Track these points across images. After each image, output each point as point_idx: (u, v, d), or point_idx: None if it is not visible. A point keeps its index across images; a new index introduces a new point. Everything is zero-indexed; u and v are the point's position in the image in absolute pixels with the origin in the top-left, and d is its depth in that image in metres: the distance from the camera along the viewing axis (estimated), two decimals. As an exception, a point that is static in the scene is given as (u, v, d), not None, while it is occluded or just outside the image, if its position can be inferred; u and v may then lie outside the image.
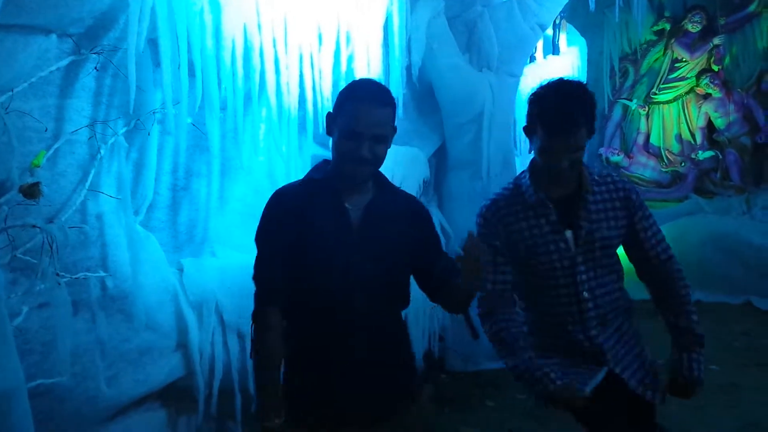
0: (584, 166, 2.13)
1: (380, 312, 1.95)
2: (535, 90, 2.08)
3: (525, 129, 2.13)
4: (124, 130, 2.89)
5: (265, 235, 1.95)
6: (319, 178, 1.98)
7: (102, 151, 2.78)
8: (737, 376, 4.94)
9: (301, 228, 1.89)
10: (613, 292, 2.18)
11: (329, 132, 1.97)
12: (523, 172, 2.20)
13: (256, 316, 1.93)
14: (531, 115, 2.07)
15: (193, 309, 3.21)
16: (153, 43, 2.83)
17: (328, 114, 1.98)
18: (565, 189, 2.13)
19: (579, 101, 2.00)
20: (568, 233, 2.10)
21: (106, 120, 2.81)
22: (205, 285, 3.25)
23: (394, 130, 1.96)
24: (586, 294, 2.11)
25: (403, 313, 2.12)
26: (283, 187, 2.03)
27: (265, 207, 1.97)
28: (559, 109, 1.98)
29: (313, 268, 1.89)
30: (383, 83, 2.13)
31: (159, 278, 3.09)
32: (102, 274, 2.79)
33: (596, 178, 2.15)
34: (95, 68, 2.73)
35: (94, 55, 2.71)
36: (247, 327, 2.00)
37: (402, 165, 4.41)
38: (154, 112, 2.92)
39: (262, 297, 1.93)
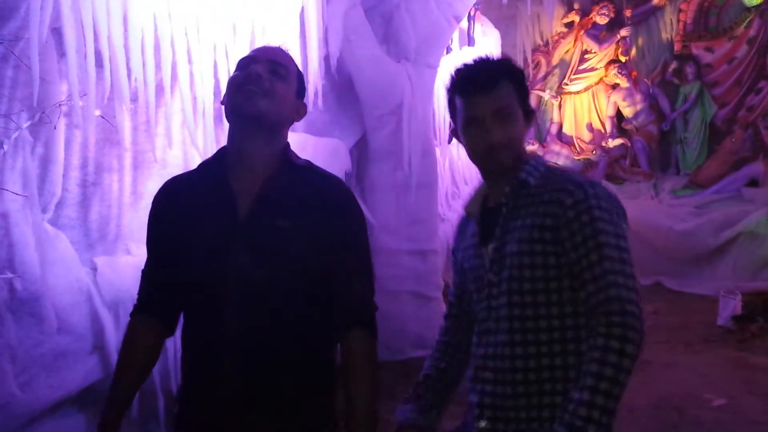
0: (527, 164, 1.60)
1: (268, 334, 1.50)
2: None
3: (452, 130, 1.69)
4: (28, 123, 2.77)
5: (148, 233, 1.64)
6: (211, 159, 1.63)
7: (5, 146, 2.65)
8: (648, 353, 5.15)
9: (180, 221, 1.56)
10: (553, 342, 1.49)
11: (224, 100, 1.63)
12: None
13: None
14: (449, 96, 1.65)
15: (109, 309, 3.11)
16: (57, 32, 2.71)
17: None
18: (500, 195, 1.61)
19: (498, 60, 1.63)
20: (490, 248, 1.58)
21: (8, 113, 2.68)
22: (121, 284, 3.14)
23: (299, 74, 1.65)
24: (503, 324, 1.52)
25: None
26: (176, 176, 1.71)
27: (152, 201, 1.66)
28: (475, 66, 1.60)
29: (189, 272, 1.53)
30: (302, 73, 1.85)
31: (71, 278, 2.97)
32: (9, 275, 2.67)
33: (527, 177, 1.57)
34: (-6, 59, 2.61)
35: (-7, 46, 2.58)
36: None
37: (323, 156, 4.38)
38: (59, 105, 2.81)
39: (135, 305, 1.66)
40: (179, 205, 1.58)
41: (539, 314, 1.50)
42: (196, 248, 1.51)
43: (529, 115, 1.63)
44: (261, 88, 1.52)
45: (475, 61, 1.61)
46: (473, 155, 1.61)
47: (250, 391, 1.51)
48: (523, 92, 1.61)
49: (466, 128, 1.59)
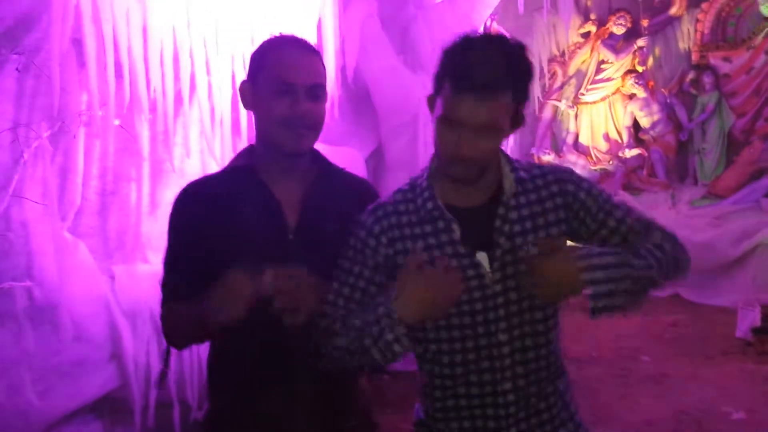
0: (504, 156, 1.51)
1: None
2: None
3: (428, 98, 1.47)
4: (48, 133, 2.80)
5: (174, 238, 1.57)
6: (243, 165, 1.58)
7: (25, 156, 2.68)
8: (667, 365, 5.11)
9: (219, 228, 1.51)
10: (548, 343, 1.50)
11: (248, 104, 1.58)
12: (423, 169, 1.55)
13: (163, 317, 1.60)
14: (438, 72, 1.43)
15: (127, 318, 3.12)
16: (77, 42, 2.75)
17: (243, 83, 1.59)
18: (479, 194, 1.48)
19: (507, 57, 1.38)
20: (481, 256, 1.43)
21: (29, 123, 2.72)
22: (139, 293, 3.16)
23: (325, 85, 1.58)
24: (502, 337, 1.44)
25: None
26: (199, 179, 1.64)
27: (174, 204, 1.58)
28: (480, 59, 1.35)
29: None
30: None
31: (89, 287, 2.99)
32: (28, 283, 2.69)
33: (522, 174, 1.49)
34: (17, 69, 2.64)
35: (15, 56, 2.62)
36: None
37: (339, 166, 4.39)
38: (79, 115, 2.84)
39: (170, 294, 1.58)
40: (216, 211, 1.53)
41: (548, 316, 1.49)
42: (249, 256, 1.43)
43: (518, 121, 1.45)
44: (309, 126, 1.52)
45: (482, 49, 1.37)
46: (439, 154, 1.44)
47: (319, 399, 1.55)
48: (522, 97, 1.42)
49: (442, 122, 1.39)
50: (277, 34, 1.62)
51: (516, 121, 1.44)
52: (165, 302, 1.59)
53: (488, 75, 1.33)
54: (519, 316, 1.45)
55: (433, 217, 1.45)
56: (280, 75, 1.49)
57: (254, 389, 1.55)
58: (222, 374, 1.62)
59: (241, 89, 1.59)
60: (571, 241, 1.50)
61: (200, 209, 1.55)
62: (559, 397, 1.53)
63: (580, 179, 1.52)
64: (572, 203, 1.48)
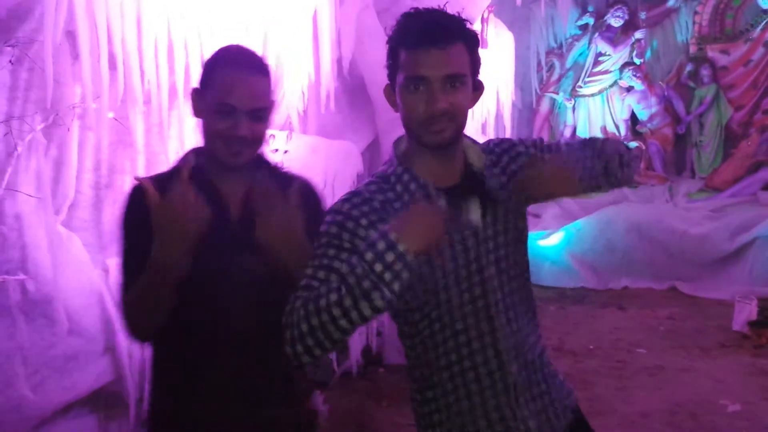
0: (468, 138, 1.55)
1: (263, 323, 1.51)
2: None
3: (385, 88, 1.51)
4: (42, 125, 2.79)
5: (128, 239, 1.58)
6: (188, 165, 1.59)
7: (19, 148, 2.67)
8: (663, 358, 5.13)
9: None
10: (524, 287, 1.59)
11: (197, 113, 1.60)
12: (388, 162, 1.57)
13: (123, 307, 1.58)
14: (391, 46, 1.45)
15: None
16: (71, 34, 2.73)
17: (194, 90, 1.61)
18: (451, 173, 1.51)
19: (454, 16, 1.43)
20: (473, 205, 1.48)
21: (22, 115, 2.70)
22: (133, 286, 3.15)
23: (273, 103, 1.63)
24: (498, 295, 1.49)
25: None
26: (147, 177, 1.63)
27: (125, 205, 1.58)
28: (428, 16, 1.41)
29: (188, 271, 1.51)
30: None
31: (83, 280, 2.98)
32: (22, 277, 2.68)
33: (483, 147, 1.58)
34: (10, 62, 2.63)
35: (8, 48, 2.60)
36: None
37: (336, 159, 4.38)
38: (73, 107, 2.83)
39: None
40: None
41: (527, 284, 1.60)
42: (198, 248, 1.47)
43: (478, 89, 1.50)
44: (249, 144, 1.56)
45: (427, 10, 1.42)
46: (409, 122, 1.44)
47: (260, 384, 1.60)
48: (476, 61, 1.45)
49: (406, 87, 1.41)
50: (229, 45, 1.68)
51: (477, 85, 1.49)
52: (124, 296, 1.58)
53: (439, 26, 1.39)
54: (510, 285, 1.52)
55: (415, 194, 1.46)
56: (222, 96, 1.52)
57: (191, 378, 1.59)
58: (161, 368, 1.66)
59: (192, 96, 1.62)
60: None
61: (148, 211, 1.49)
62: (543, 349, 1.61)
63: (519, 140, 1.65)
64: (526, 157, 1.58)
